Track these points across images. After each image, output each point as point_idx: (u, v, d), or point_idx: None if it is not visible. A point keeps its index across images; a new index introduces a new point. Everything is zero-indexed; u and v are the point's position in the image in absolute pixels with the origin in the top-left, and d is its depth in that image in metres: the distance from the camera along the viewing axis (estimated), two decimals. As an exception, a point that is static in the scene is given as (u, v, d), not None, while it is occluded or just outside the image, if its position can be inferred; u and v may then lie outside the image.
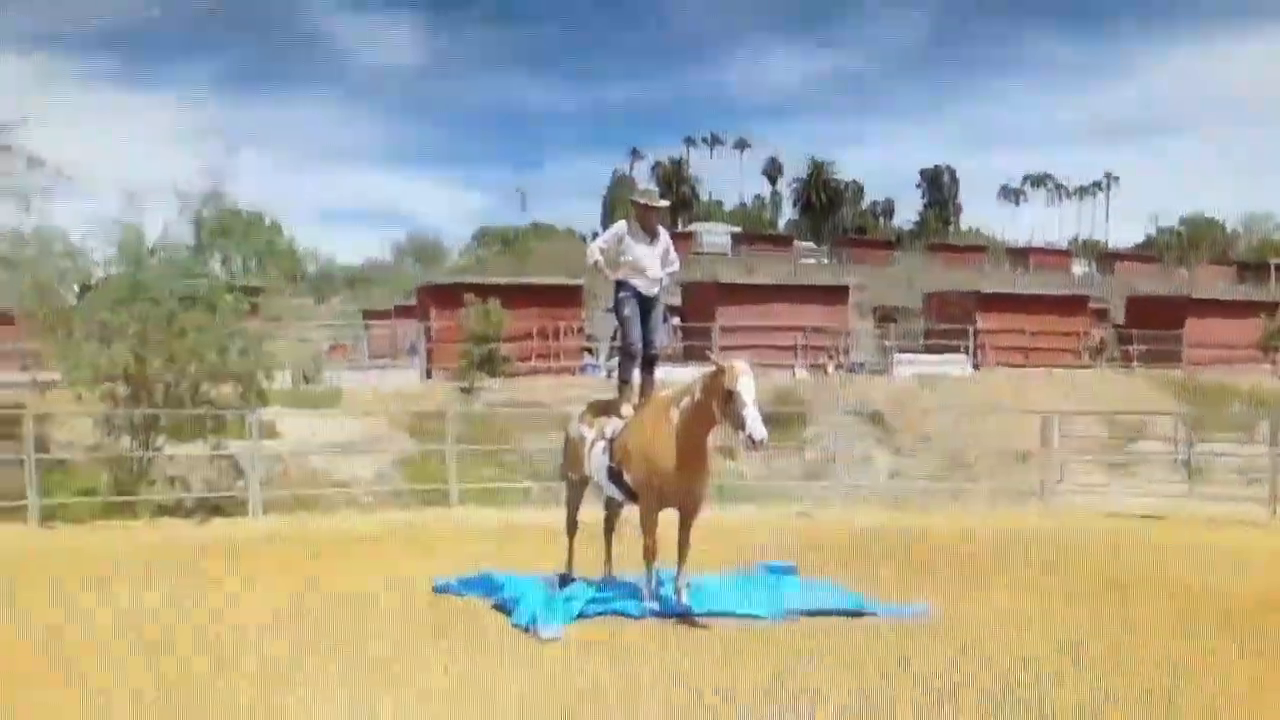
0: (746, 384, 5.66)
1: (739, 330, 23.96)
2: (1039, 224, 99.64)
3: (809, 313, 26.52)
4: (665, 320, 10.79)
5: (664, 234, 6.94)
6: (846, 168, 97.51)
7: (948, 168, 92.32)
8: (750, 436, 5.57)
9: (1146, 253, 69.20)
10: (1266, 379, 25.98)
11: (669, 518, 6.25)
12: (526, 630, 5.81)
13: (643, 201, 6.95)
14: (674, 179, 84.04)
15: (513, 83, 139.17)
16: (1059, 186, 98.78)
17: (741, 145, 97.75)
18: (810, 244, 66.28)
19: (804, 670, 5.04)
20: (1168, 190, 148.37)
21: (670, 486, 6.07)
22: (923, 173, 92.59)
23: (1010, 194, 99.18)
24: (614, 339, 20.45)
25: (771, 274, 41.12)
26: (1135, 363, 27.52)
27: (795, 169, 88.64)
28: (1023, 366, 25.41)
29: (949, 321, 27.49)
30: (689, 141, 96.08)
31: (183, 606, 6.49)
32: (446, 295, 23.18)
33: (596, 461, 6.52)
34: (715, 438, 6.15)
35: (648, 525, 6.23)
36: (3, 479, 10.90)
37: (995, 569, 7.70)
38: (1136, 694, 4.69)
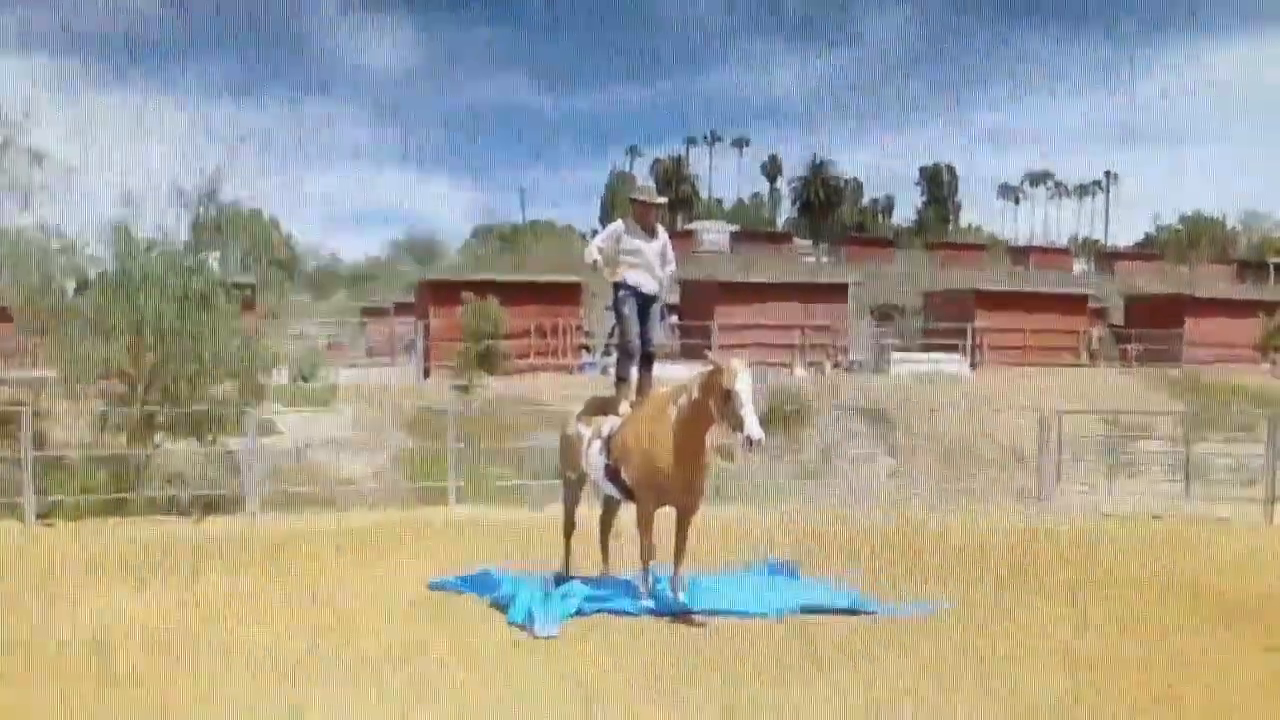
0: (744, 383, 5.63)
1: (737, 328, 23.94)
2: (1039, 222, 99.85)
3: (808, 311, 26.48)
4: (663, 318, 10.76)
5: (662, 232, 6.92)
6: (846, 166, 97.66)
7: (947, 166, 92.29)
8: (748, 437, 5.54)
9: (1146, 251, 69.11)
10: (1266, 378, 25.95)
11: (666, 516, 6.23)
12: (523, 628, 5.80)
13: (641, 198, 6.93)
14: (673, 177, 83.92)
15: (513, 82, 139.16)
16: (1059, 185, 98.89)
17: (741, 143, 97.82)
18: (809, 242, 66.24)
19: (803, 667, 5.02)
20: (1168, 189, 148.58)
21: (667, 485, 6.05)
22: (922, 170, 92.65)
23: (1010, 192, 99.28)
24: (611, 336, 20.45)
25: (770, 272, 41.00)
26: (1134, 361, 27.49)
27: (794, 167, 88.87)
28: (1021, 365, 25.38)
29: (948, 320, 27.44)
30: (689, 140, 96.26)
31: (178, 604, 6.46)
32: (445, 292, 23.15)
33: (594, 460, 6.50)
34: (713, 436, 6.12)
35: (645, 523, 6.21)
36: (-1, 476, 10.89)
37: (995, 568, 7.68)
38: (1138, 693, 4.67)
